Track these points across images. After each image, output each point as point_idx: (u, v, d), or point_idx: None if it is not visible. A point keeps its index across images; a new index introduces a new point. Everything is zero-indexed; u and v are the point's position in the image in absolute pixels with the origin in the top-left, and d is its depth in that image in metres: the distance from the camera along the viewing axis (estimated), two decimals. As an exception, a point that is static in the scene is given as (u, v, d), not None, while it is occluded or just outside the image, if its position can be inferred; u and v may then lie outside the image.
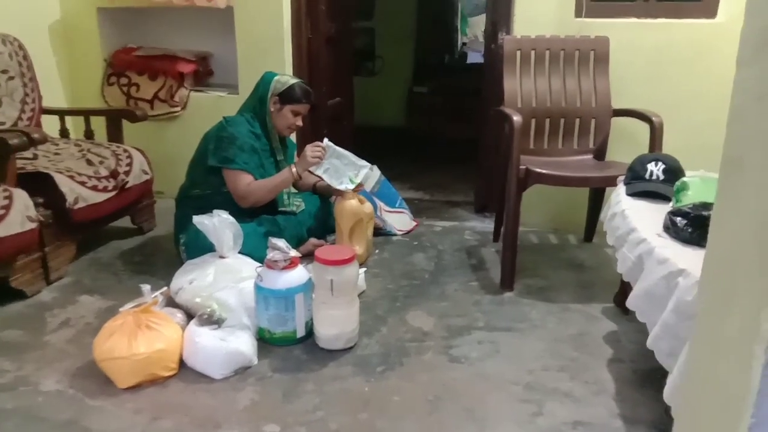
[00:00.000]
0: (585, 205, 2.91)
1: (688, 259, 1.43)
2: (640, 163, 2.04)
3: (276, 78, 2.53)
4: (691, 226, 1.55)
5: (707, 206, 1.56)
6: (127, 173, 2.70)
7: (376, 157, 3.07)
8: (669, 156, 2.06)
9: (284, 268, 1.96)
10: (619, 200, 1.96)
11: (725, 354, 0.78)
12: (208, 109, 3.20)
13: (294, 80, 2.57)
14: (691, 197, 1.73)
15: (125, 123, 2.98)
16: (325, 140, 2.55)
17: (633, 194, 1.97)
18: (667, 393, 1.34)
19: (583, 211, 2.92)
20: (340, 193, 2.60)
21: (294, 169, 2.46)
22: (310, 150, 2.46)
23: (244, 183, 2.41)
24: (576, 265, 2.71)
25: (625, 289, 2.11)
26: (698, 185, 1.77)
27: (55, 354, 1.95)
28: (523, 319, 2.21)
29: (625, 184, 2.06)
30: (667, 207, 1.77)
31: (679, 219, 1.59)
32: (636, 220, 1.75)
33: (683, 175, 1.94)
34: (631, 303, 1.60)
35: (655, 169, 1.99)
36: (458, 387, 1.81)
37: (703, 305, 0.92)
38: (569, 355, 1.98)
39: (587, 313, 2.25)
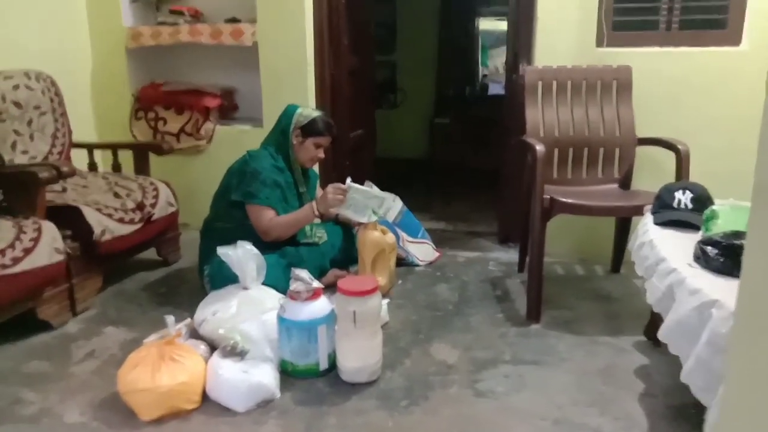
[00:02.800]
0: (611, 236, 2.86)
1: (721, 289, 1.39)
2: (668, 191, 2.01)
3: (298, 111, 2.56)
4: (723, 256, 1.51)
5: (739, 235, 1.52)
6: (153, 205, 2.74)
7: (398, 188, 3.06)
8: (697, 184, 2.02)
9: (307, 299, 1.95)
10: (647, 229, 1.92)
11: (763, 390, 0.75)
12: (233, 142, 3.25)
13: (316, 113, 2.60)
14: (721, 226, 1.69)
15: (152, 156, 3.05)
16: (348, 180, 2.55)
17: (661, 223, 1.93)
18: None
19: (610, 242, 2.88)
20: (363, 224, 2.60)
21: (314, 206, 2.47)
22: (331, 192, 2.46)
23: (267, 218, 2.42)
24: (603, 296, 2.65)
25: (655, 320, 2.06)
26: (728, 214, 1.73)
27: (79, 385, 1.95)
28: (551, 352, 2.16)
29: (653, 213, 2.02)
30: (697, 236, 1.73)
31: (710, 248, 1.55)
32: (665, 250, 1.71)
33: (712, 203, 1.90)
34: (662, 335, 1.55)
35: (683, 197, 1.96)
36: (484, 422, 1.76)
37: (737, 338, 0.89)
38: (598, 390, 1.92)
39: (616, 346, 2.19)
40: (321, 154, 2.60)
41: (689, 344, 1.41)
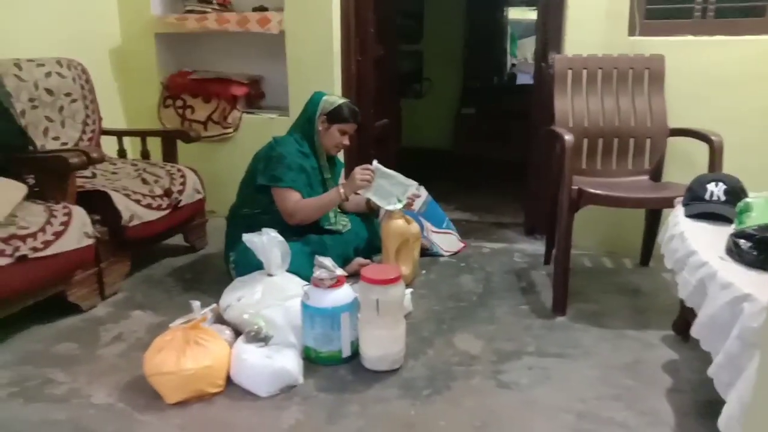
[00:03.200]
0: (641, 228, 2.81)
1: (754, 283, 1.36)
2: (699, 183, 1.96)
3: (324, 98, 2.57)
4: (757, 249, 1.47)
5: (774, 228, 1.48)
6: (180, 192, 2.77)
7: (423, 179, 3.05)
8: (730, 176, 1.97)
9: (330, 286, 1.96)
10: (678, 222, 1.88)
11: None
12: (260, 130, 3.26)
13: (342, 100, 2.61)
14: (755, 219, 1.65)
15: (180, 144, 3.08)
16: (374, 162, 2.56)
17: (692, 216, 1.89)
18: (722, 423, 1.26)
19: (639, 234, 2.82)
20: (387, 213, 2.59)
21: (342, 190, 2.47)
22: (359, 173, 2.47)
23: (293, 200, 2.43)
24: (631, 289, 2.60)
25: (685, 315, 2.02)
26: (763, 206, 1.69)
27: (107, 368, 1.99)
28: (576, 345, 2.13)
29: (684, 205, 1.97)
30: (729, 229, 1.68)
31: (743, 241, 1.51)
32: (696, 243, 1.67)
33: (745, 195, 1.85)
34: (695, 331, 1.52)
35: (716, 189, 1.91)
36: (506, 414, 1.75)
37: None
38: (624, 384, 1.89)
39: (643, 340, 2.15)
40: (346, 141, 2.60)
41: (721, 339, 1.38)
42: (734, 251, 1.53)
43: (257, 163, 2.54)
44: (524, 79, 6.10)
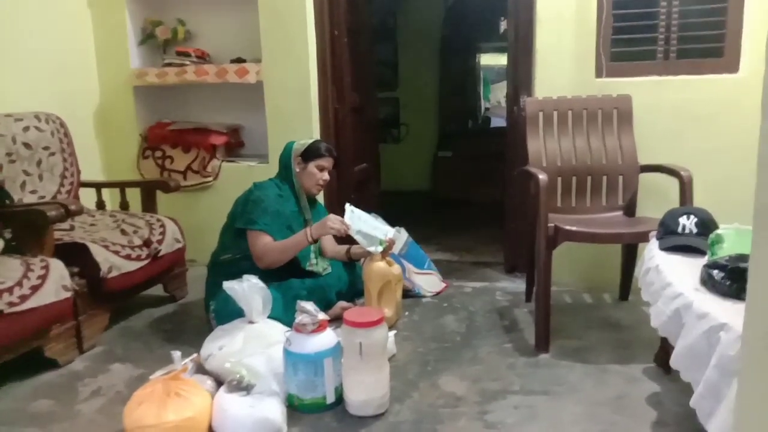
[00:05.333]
0: (618, 263, 2.85)
1: (729, 312, 1.38)
2: (672, 217, 2.01)
3: (295, 142, 2.65)
4: (730, 279, 1.50)
5: (744, 258, 1.51)
6: (160, 242, 2.75)
7: (403, 221, 3.09)
8: (700, 209, 2.02)
9: (313, 331, 1.95)
10: (653, 255, 1.91)
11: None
12: (239, 178, 3.28)
13: (313, 139, 2.69)
14: (726, 249, 1.69)
15: (159, 194, 3.08)
16: (347, 206, 2.59)
17: (666, 249, 1.93)
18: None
19: (617, 269, 2.86)
20: (369, 256, 2.60)
21: (309, 231, 2.48)
22: (332, 220, 2.47)
23: (262, 243, 2.44)
24: (612, 324, 2.63)
25: (666, 347, 2.04)
26: (733, 237, 1.73)
27: (85, 424, 1.94)
28: (561, 382, 2.13)
29: (658, 239, 2.02)
30: (702, 260, 1.72)
31: (716, 272, 1.55)
32: (671, 274, 1.70)
33: (716, 227, 1.89)
34: (674, 362, 1.53)
35: (688, 222, 1.96)
36: (495, 454, 1.73)
37: (746, 360, 0.88)
38: (610, 419, 1.88)
39: (627, 374, 2.16)
40: (326, 176, 2.64)
41: (700, 370, 1.39)
42: (708, 282, 1.56)
43: (236, 207, 2.57)
44: (498, 122, 6.25)
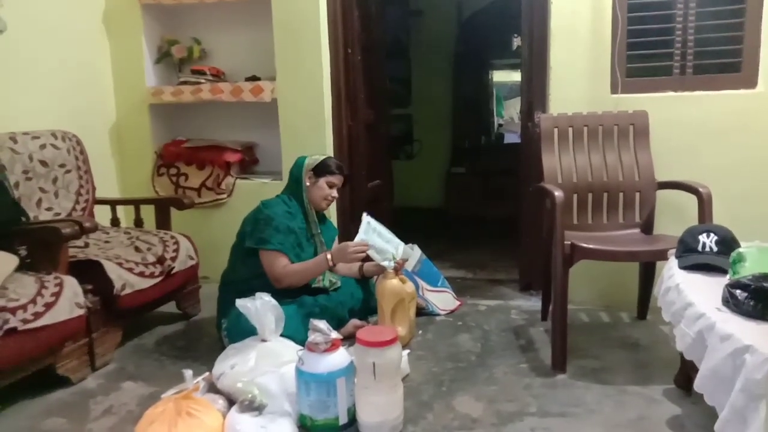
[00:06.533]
0: (635, 282, 2.80)
1: (753, 333, 1.35)
2: (691, 235, 1.98)
3: (308, 157, 2.66)
4: (753, 299, 1.47)
5: (768, 277, 1.48)
6: (173, 259, 2.75)
7: (417, 237, 3.07)
8: (721, 227, 1.99)
9: (325, 350, 1.92)
10: (672, 274, 1.88)
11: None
12: (253, 195, 3.26)
13: (325, 156, 2.69)
14: (749, 269, 1.65)
15: (173, 211, 3.09)
16: (365, 215, 2.59)
17: (686, 267, 1.89)
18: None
19: (634, 288, 2.81)
20: (383, 273, 2.58)
21: (329, 257, 2.46)
22: (353, 247, 2.46)
23: (280, 266, 2.43)
24: (631, 344, 2.57)
25: (686, 368, 1.99)
26: (755, 256, 1.70)
27: (96, 443, 1.92)
28: (578, 404, 2.08)
29: (677, 257, 1.98)
30: (724, 279, 1.69)
31: (738, 292, 1.51)
32: (692, 294, 1.66)
33: (737, 246, 1.86)
34: (698, 385, 1.49)
35: (708, 240, 1.92)
36: (511, 478, 1.69)
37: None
38: (630, 443, 1.84)
39: (646, 396, 2.11)
40: (335, 193, 2.64)
41: (725, 393, 1.36)
42: (731, 302, 1.53)
43: (245, 226, 2.55)
44: (511, 138, 6.23)
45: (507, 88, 6.87)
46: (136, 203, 3.19)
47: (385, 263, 2.55)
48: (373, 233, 2.56)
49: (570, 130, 2.77)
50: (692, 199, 2.43)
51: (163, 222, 3.07)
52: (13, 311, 2.00)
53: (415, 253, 2.90)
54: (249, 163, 3.71)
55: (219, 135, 3.71)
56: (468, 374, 2.33)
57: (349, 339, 2.29)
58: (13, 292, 2.08)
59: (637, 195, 2.70)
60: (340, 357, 1.95)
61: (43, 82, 3.11)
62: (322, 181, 2.61)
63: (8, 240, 2.35)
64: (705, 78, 2.84)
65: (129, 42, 3.57)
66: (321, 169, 2.62)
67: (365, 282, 2.77)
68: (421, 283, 2.97)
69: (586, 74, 2.92)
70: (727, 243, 1.89)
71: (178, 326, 2.92)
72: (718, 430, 1.34)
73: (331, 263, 2.46)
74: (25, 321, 2.03)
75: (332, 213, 2.85)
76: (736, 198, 2.69)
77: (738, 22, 2.76)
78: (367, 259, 2.61)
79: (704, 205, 2.37)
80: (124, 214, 3.30)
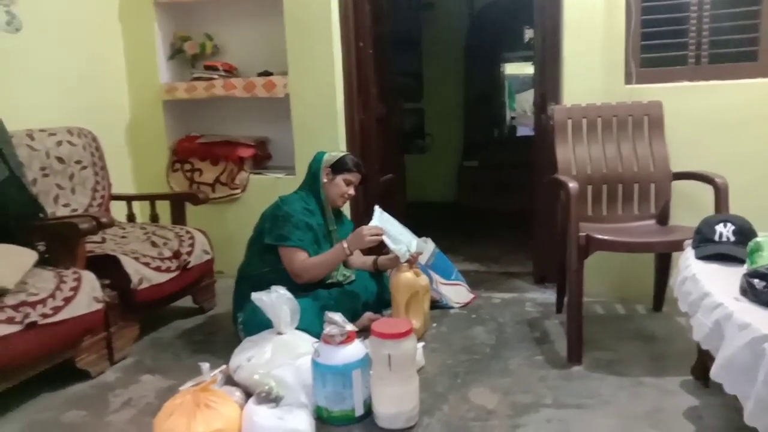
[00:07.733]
0: (651, 274, 2.78)
1: (772, 323, 1.33)
2: (707, 225, 1.96)
3: (326, 153, 2.65)
4: (772, 288, 1.45)
5: (787, 266, 1.47)
6: (189, 254, 2.78)
7: (430, 231, 3.07)
8: (737, 216, 1.96)
9: (341, 342, 1.93)
10: (689, 264, 1.86)
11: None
12: (267, 190, 3.30)
13: (344, 153, 2.70)
14: (766, 258, 1.63)
15: (188, 206, 3.11)
16: (376, 208, 2.59)
17: (703, 257, 1.88)
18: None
19: (650, 279, 2.80)
20: (397, 266, 2.58)
21: (345, 245, 2.47)
22: (367, 230, 2.47)
23: (300, 260, 2.44)
24: (647, 335, 2.56)
25: (703, 359, 1.98)
26: (774, 245, 1.67)
27: (116, 435, 1.95)
28: (594, 395, 2.08)
29: (693, 247, 1.97)
30: (741, 269, 1.67)
31: (757, 281, 1.50)
32: (709, 284, 1.65)
33: (755, 235, 1.84)
34: (715, 374, 1.48)
35: (724, 230, 1.90)
36: (528, 469, 1.69)
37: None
38: (647, 434, 1.83)
39: (662, 387, 2.10)
40: (351, 191, 2.65)
41: (745, 382, 1.35)
42: (749, 291, 1.51)
43: (264, 222, 2.56)
44: (524, 131, 6.20)
45: (519, 80, 6.83)
46: (152, 199, 3.22)
47: (399, 251, 2.54)
48: (386, 223, 2.57)
49: (584, 121, 2.75)
50: (708, 190, 2.41)
51: (179, 217, 3.10)
52: (33, 305, 2.04)
53: (428, 246, 2.89)
54: (262, 158, 3.72)
55: (232, 130, 3.73)
56: (483, 366, 2.33)
57: (364, 332, 2.30)
58: (32, 286, 2.11)
59: (652, 186, 2.68)
60: (356, 349, 1.96)
61: (58, 79, 3.14)
62: (340, 179, 2.61)
63: (27, 236, 2.38)
64: (720, 67, 2.81)
65: (142, 38, 3.60)
66: (339, 166, 2.61)
67: (379, 275, 2.78)
68: (435, 276, 2.97)
69: (600, 65, 2.90)
70: (745, 232, 1.87)
71: (194, 320, 2.95)
72: (750, 422, 1.32)
73: (348, 251, 2.47)
74: (44, 315, 2.06)
75: (345, 208, 2.86)
76: (752, 188, 2.66)
77: (754, 10, 2.72)
78: (381, 251, 2.61)
79: (721, 195, 2.35)
80: (140, 209, 3.33)
